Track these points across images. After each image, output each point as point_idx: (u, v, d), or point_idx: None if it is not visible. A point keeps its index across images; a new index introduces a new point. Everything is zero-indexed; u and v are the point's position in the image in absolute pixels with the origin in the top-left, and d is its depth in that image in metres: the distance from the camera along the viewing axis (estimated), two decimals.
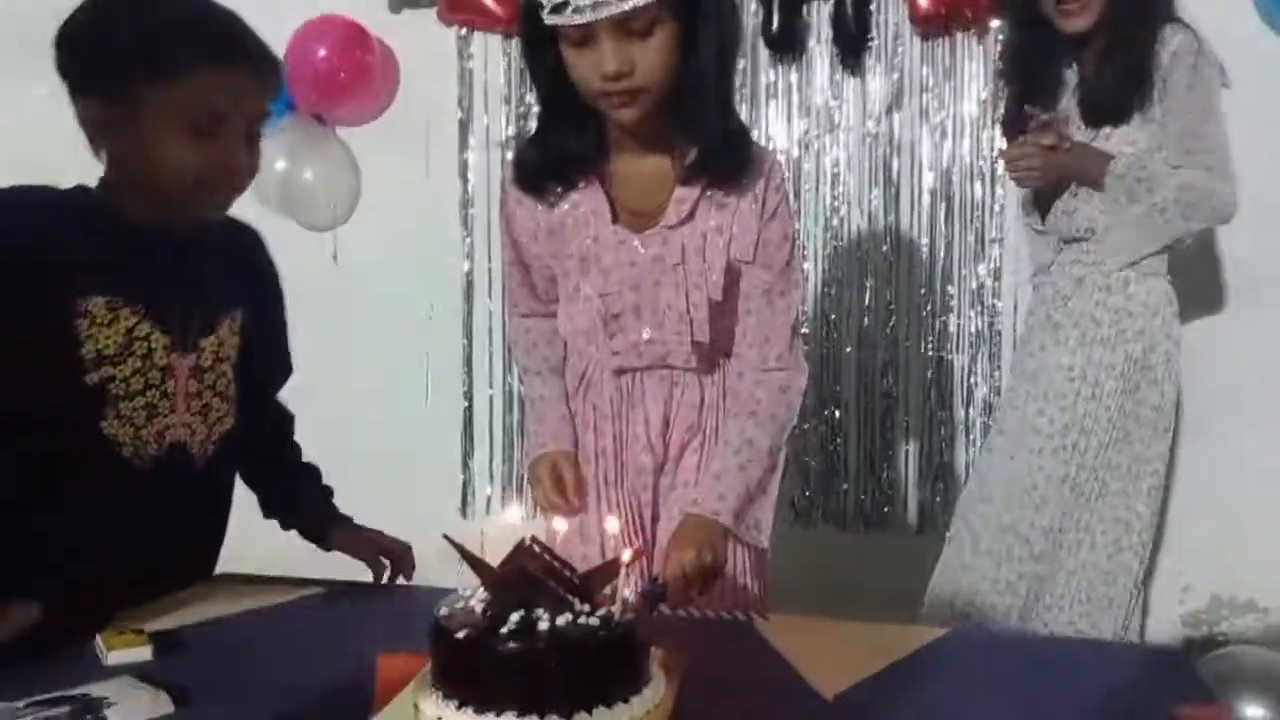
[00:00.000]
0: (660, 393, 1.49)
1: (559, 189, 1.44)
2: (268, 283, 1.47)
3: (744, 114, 2.70)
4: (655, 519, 1.52)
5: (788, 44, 2.67)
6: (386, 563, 1.46)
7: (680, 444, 1.50)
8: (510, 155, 1.54)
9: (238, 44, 1.22)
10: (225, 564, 1.43)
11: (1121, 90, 2.00)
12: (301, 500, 1.51)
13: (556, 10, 1.28)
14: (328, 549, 1.48)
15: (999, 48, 2.37)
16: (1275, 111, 2.28)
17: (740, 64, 2.67)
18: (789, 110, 2.74)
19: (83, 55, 1.21)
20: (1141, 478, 2.09)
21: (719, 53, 1.35)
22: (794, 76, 2.73)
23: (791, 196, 1.60)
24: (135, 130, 1.20)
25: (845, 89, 2.71)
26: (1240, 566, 2.48)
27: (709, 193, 1.42)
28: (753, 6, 2.68)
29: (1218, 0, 2.18)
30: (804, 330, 2.67)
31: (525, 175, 1.46)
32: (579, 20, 1.27)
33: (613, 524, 1.33)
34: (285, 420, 1.57)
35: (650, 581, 1.32)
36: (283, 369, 1.53)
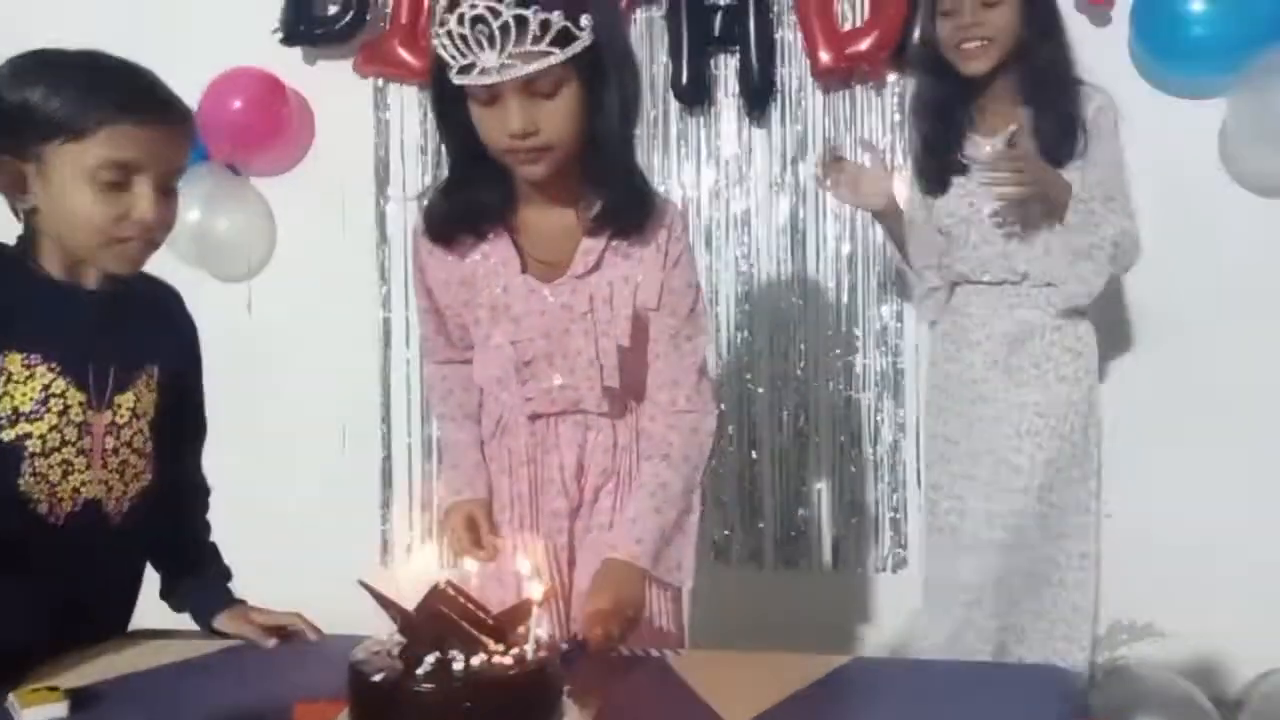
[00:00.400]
0: (574, 437, 1.52)
1: (469, 240, 1.48)
2: (185, 341, 1.47)
3: (656, 163, 2.78)
4: (572, 564, 1.55)
5: (696, 95, 2.76)
6: (273, 642, 1.39)
7: (595, 487, 1.53)
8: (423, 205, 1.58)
9: (146, 98, 1.24)
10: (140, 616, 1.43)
11: (1061, 136, 2.10)
12: (201, 588, 1.47)
13: (464, 71, 1.32)
14: (214, 634, 1.43)
15: (905, 98, 2.51)
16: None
17: (649, 114, 2.77)
18: (698, 160, 2.82)
19: None
20: (1092, 511, 2.22)
21: (621, 111, 1.40)
22: (703, 129, 2.81)
23: (693, 245, 1.67)
24: (46, 186, 1.22)
25: (752, 139, 2.80)
26: (1139, 592, 2.58)
27: (614, 243, 1.46)
28: (662, 58, 2.76)
29: (1093, 48, 2.32)
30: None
31: (435, 226, 1.49)
32: (485, 81, 1.31)
33: (524, 563, 1.36)
34: (200, 491, 1.54)
35: (569, 641, 1.34)
36: (197, 430, 1.52)
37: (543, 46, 1.29)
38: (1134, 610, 2.61)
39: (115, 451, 1.31)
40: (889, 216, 2.27)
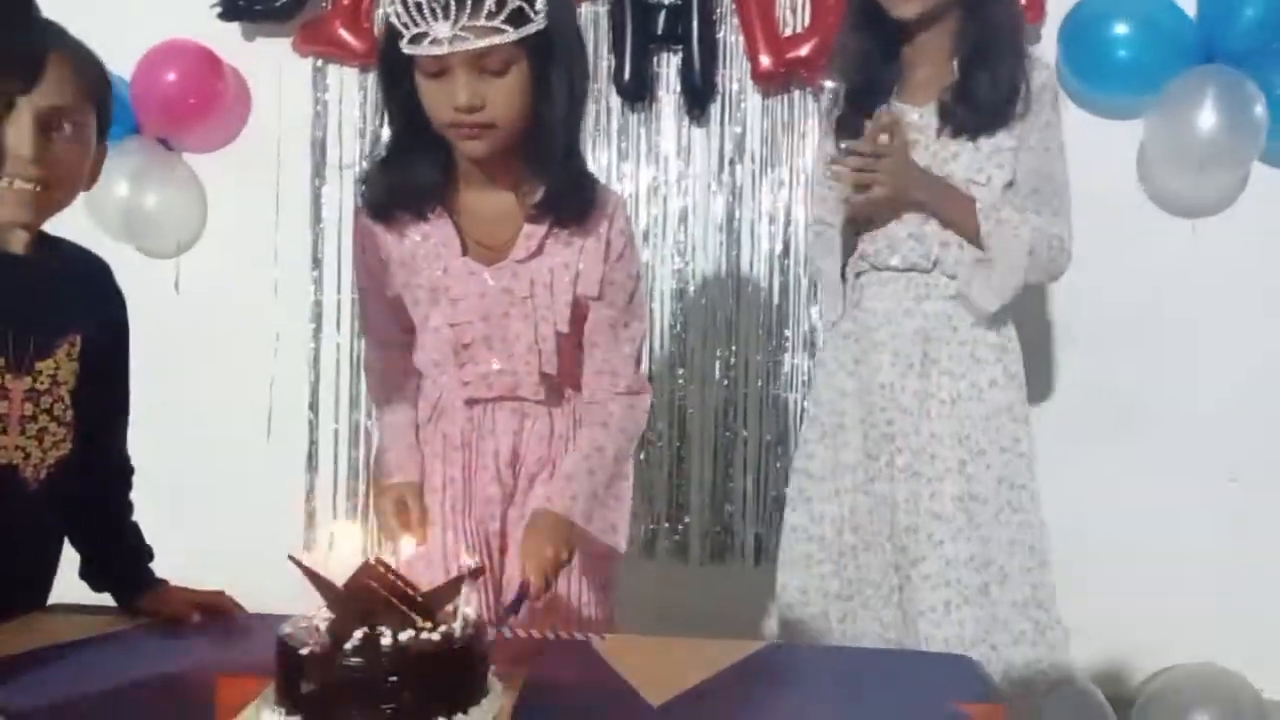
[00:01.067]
0: (510, 424, 1.53)
1: (408, 219, 1.49)
2: (112, 315, 1.44)
3: (597, 158, 2.79)
4: (504, 551, 1.56)
5: (638, 92, 2.78)
6: (197, 617, 1.38)
7: (530, 475, 1.55)
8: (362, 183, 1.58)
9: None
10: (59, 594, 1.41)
11: (995, 100, 1.84)
12: (121, 567, 1.45)
13: (415, 41, 1.32)
14: (135, 613, 1.40)
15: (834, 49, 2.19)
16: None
17: (592, 108, 2.79)
18: (638, 156, 2.85)
19: None
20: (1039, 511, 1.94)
21: (568, 97, 1.41)
22: (644, 127, 2.84)
23: (636, 237, 1.69)
24: None
25: (691, 139, 2.83)
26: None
27: (555, 230, 1.48)
28: (605, 53, 2.78)
29: None
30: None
31: (375, 201, 1.50)
32: (436, 52, 1.31)
33: (466, 559, 1.38)
34: (123, 471, 1.51)
35: (516, 592, 1.38)
36: (120, 407, 1.49)
37: (496, 23, 1.30)
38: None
39: (34, 418, 1.30)
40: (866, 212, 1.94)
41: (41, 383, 1.30)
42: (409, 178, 1.46)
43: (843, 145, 1.88)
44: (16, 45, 1.17)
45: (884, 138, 1.85)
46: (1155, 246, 2.59)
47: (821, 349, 2.10)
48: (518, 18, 1.31)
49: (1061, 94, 2.56)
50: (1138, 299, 2.60)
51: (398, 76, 1.40)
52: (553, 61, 1.38)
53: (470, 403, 1.53)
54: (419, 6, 1.30)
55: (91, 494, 1.42)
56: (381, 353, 1.63)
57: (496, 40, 1.31)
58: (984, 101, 1.84)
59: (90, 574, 1.46)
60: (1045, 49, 2.58)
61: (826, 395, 2.01)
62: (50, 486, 1.33)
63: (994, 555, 1.86)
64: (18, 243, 1.28)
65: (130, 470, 1.53)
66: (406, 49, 1.33)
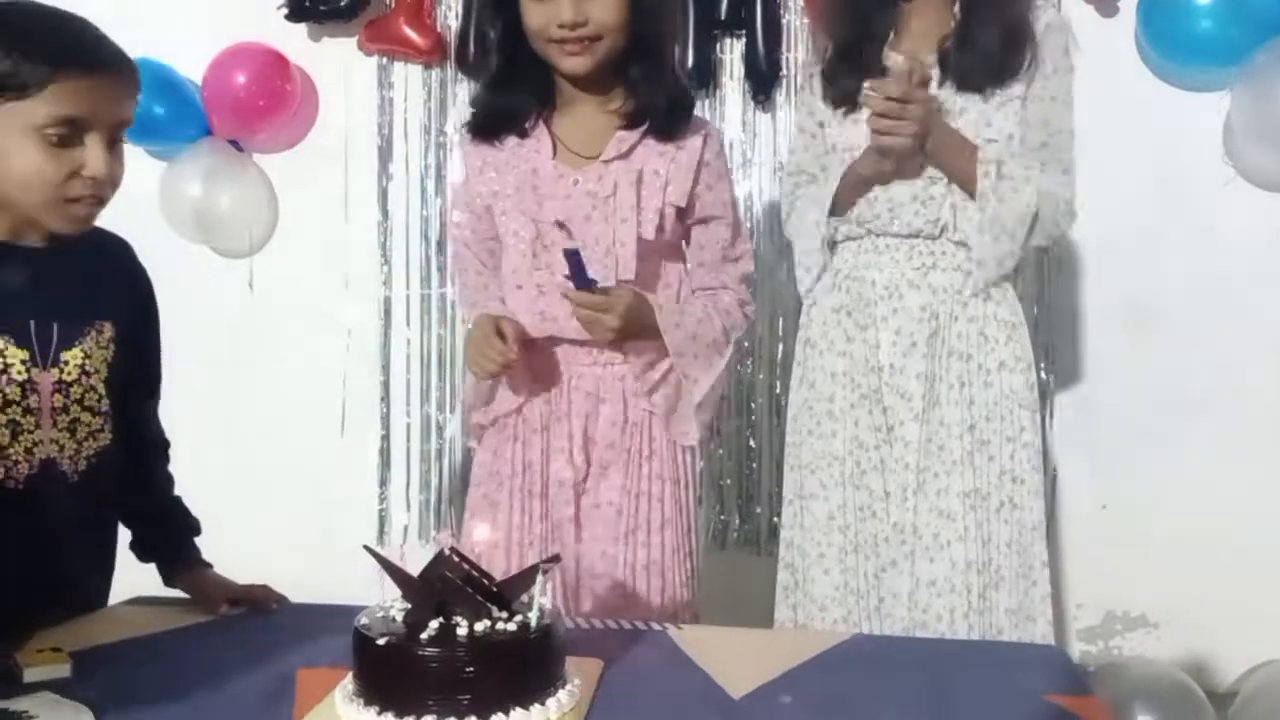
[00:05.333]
0: (584, 406, 1.55)
1: (510, 137, 1.57)
2: (138, 294, 1.44)
3: None
4: (579, 540, 1.57)
5: (701, 79, 2.75)
6: (225, 609, 1.37)
7: (602, 463, 1.56)
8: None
9: (93, 50, 1.20)
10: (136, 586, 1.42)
11: (1001, 48, 1.67)
12: (164, 540, 1.46)
13: None
14: (170, 585, 1.44)
15: None
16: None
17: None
18: None
19: None
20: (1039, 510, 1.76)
21: (663, 13, 1.52)
22: (709, 113, 2.81)
23: (730, 169, 1.76)
24: None
25: (757, 123, 2.80)
26: (1131, 583, 2.60)
27: (647, 139, 1.53)
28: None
29: (1100, 40, 2.31)
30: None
31: (480, 121, 1.58)
32: None
33: (482, 531, 1.40)
34: (159, 445, 1.52)
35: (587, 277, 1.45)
36: (153, 385, 1.49)
37: None
38: (1127, 601, 2.63)
39: (65, 409, 1.29)
40: (879, 174, 1.74)
41: (69, 374, 1.29)
42: (510, 101, 1.56)
43: (867, 85, 1.65)
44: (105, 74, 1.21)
45: (906, 85, 1.62)
46: (1243, 223, 2.49)
47: (806, 325, 1.85)
48: None
49: (1141, 66, 2.51)
50: (1223, 277, 2.50)
51: (500, 3, 1.50)
52: None
53: (543, 345, 1.55)
54: None
55: (131, 472, 1.43)
56: (472, 273, 1.67)
57: None
58: (988, 50, 1.67)
59: (138, 546, 1.47)
60: (1123, 22, 2.51)
61: (815, 377, 1.81)
62: (92, 477, 1.32)
63: (993, 556, 1.69)
64: (34, 236, 1.27)
65: (166, 443, 1.53)
66: None
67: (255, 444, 2.91)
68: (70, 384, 1.29)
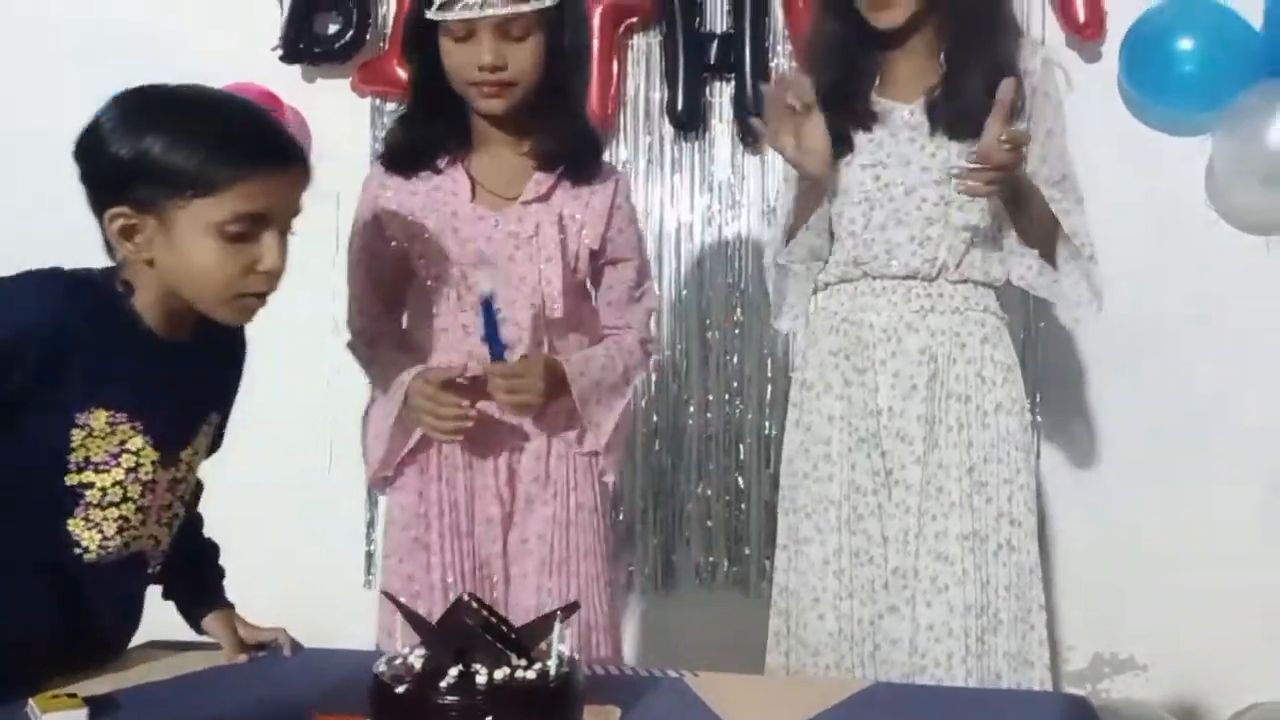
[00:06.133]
0: (508, 442, 1.59)
1: (425, 172, 1.60)
2: (239, 373, 1.43)
3: (650, 187, 2.79)
4: (508, 579, 1.60)
5: (691, 122, 2.78)
6: (243, 657, 1.37)
7: (527, 496, 1.59)
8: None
9: (275, 147, 1.18)
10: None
11: (987, 97, 1.62)
12: (197, 586, 1.45)
13: (446, 7, 1.46)
14: (195, 627, 1.43)
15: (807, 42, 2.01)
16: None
17: (645, 139, 2.79)
18: (692, 185, 2.84)
19: (108, 163, 1.14)
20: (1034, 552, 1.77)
21: (575, 61, 1.59)
22: (698, 155, 2.83)
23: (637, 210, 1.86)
24: (166, 239, 1.14)
25: (746, 165, 2.82)
26: (1120, 625, 2.60)
27: (563, 181, 1.59)
28: (659, 84, 2.79)
29: (1083, 84, 2.35)
30: (709, 397, 2.77)
31: (395, 154, 1.62)
32: (467, 15, 1.46)
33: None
34: (199, 491, 1.51)
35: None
36: (218, 447, 1.48)
37: None
38: (1116, 644, 2.63)
39: (169, 506, 1.27)
40: (815, 192, 1.75)
41: (180, 470, 1.27)
42: (427, 133, 1.60)
43: (971, 155, 1.62)
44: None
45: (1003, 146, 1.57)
46: (1228, 265, 2.53)
47: (802, 367, 1.86)
48: None
49: (1124, 108, 2.55)
50: (1211, 319, 2.54)
51: (422, 41, 1.55)
52: (563, 29, 1.55)
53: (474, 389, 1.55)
54: None
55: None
56: (371, 328, 1.70)
57: (523, 9, 1.48)
58: (975, 99, 1.65)
59: (165, 584, 1.45)
60: (1106, 67, 2.56)
61: (811, 420, 1.81)
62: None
63: (991, 599, 1.69)
64: (184, 330, 1.24)
65: (202, 485, 1.51)
66: (435, 15, 1.47)
67: (242, 482, 2.86)
68: (180, 481, 1.28)
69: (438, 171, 1.60)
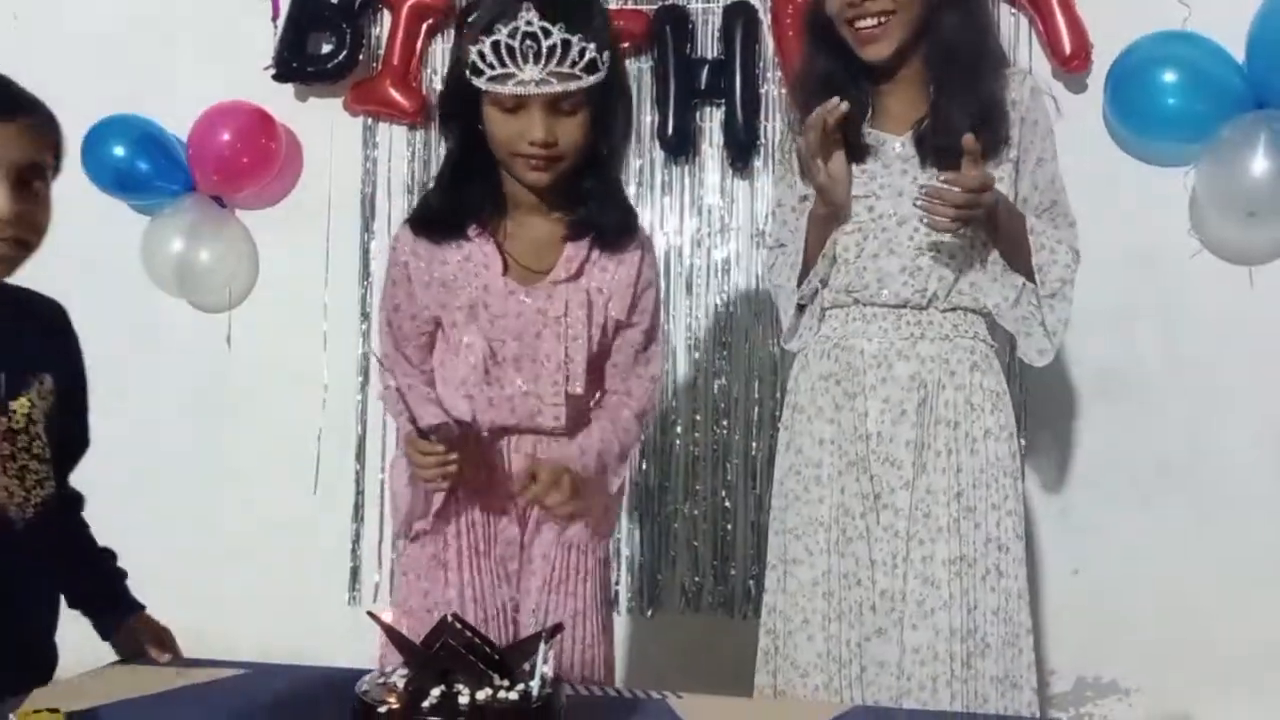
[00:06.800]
0: (528, 453, 1.58)
1: (454, 240, 1.56)
2: (74, 354, 1.48)
3: (641, 210, 2.81)
4: (516, 608, 1.60)
5: (681, 146, 2.81)
6: (166, 658, 1.44)
7: (538, 521, 1.59)
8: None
9: None
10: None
11: (975, 129, 1.65)
12: (100, 585, 1.50)
13: (498, 80, 1.42)
14: (105, 637, 1.48)
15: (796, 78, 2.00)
16: None
17: (635, 161, 2.82)
18: (682, 208, 2.87)
19: None
20: (1022, 577, 1.77)
21: (621, 134, 1.56)
22: (688, 179, 2.86)
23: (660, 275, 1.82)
24: None
25: (735, 190, 2.85)
26: (1103, 649, 2.62)
27: (594, 254, 1.56)
28: (649, 109, 2.81)
29: (1068, 114, 2.38)
30: (697, 418, 2.79)
31: (426, 220, 1.58)
32: (521, 92, 1.42)
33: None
34: (79, 501, 1.56)
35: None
36: (83, 444, 1.52)
37: (576, 70, 1.42)
38: (1099, 668, 2.64)
39: (13, 457, 1.31)
40: (831, 220, 1.78)
41: (17, 421, 1.32)
42: (463, 200, 1.56)
43: (942, 178, 1.66)
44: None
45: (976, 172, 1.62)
46: (1210, 294, 2.56)
47: (794, 390, 1.88)
48: (592, 66, 1.43)
49: (1109, 140, 2.58)
50: (1193, 349, 2.56)
51: (463, 107, 1.51)
52: (610, 104, 1.51)
53: (489, 432, 1.57)
54: (511, 52, 1.40)
55: (64, 528, 1.46)
56: (399, 383, 1.62)
57: (576, 85, 1.43)
58: (963, 131, 1.65)
59: (72, 599, 1.49)
60: (1091, 98, 2.59)
61: (802, 443, 1.82)
62: (38, 526, 1.34)
63: (978, 623, 1.69)
64: None
65: (81, 498, 1.56)
66: (486, 86, 1.43)
67: (228, 499, 2.89)
68: (19, 431, 1.31)
69: (467, 239, 1.57)
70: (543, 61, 1.40)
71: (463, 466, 1.49)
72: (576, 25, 1.41)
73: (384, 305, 1.64)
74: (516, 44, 1.39)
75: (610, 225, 1.56)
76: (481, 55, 1.41)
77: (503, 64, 1.40)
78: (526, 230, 1.57)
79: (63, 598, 1.48)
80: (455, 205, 1.56)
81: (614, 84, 1.50)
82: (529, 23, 1.39)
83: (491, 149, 1.50)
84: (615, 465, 1.63)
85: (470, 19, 1.49)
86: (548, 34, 1.39)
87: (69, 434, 1.44)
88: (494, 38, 1.40)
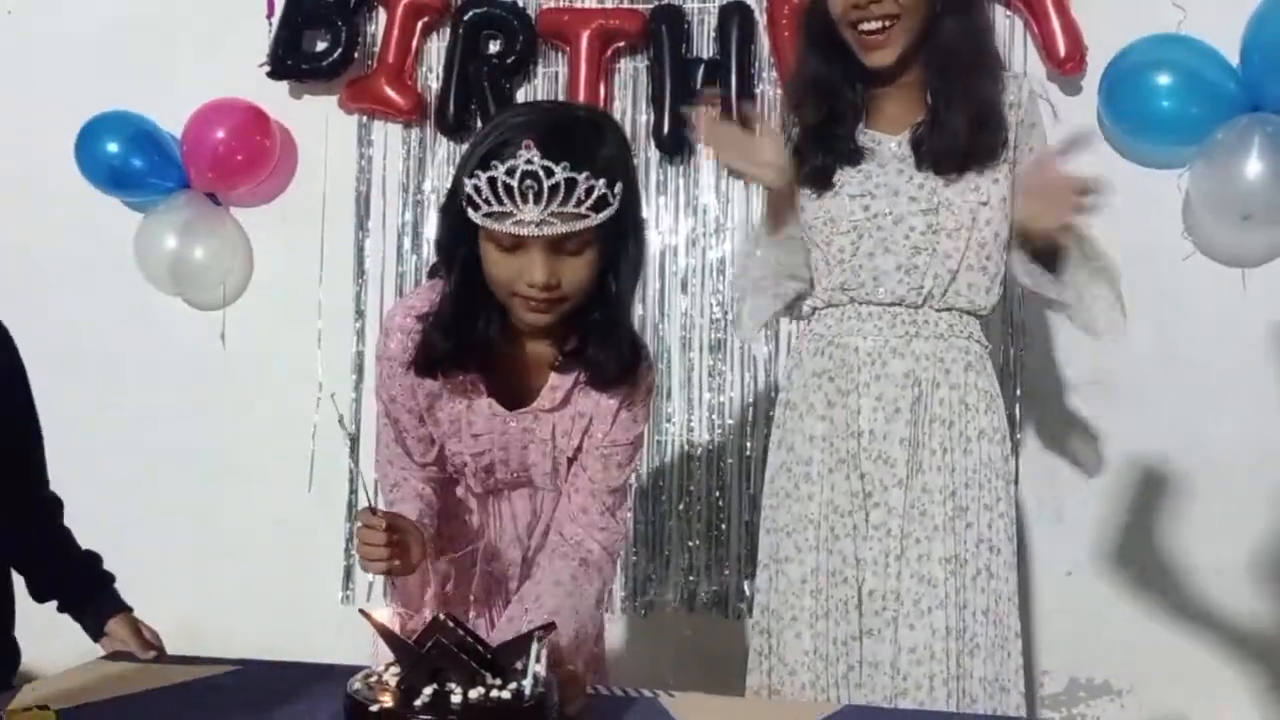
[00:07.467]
0: (527, 502, 1.58)
1: (450, 370, 1.46)
2: (7, 357, 1.47)
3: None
4: (508, 602, 1.57)
5: (676, 146, 2.81)
6: (153, 654, 1.45)
7: (539, 546, 1.58)
8: (401, 302, 1.56)
9: None
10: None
11: (971, 134, 1.71)
12: (89, 588, 1.51)
13: (496, 217, 1.28)
14: (95, 634, 1.49)
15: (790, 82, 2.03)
16: None
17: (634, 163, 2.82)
18: (677, 208, 2.87)
19: None
20: (1013, 580, 1.78)
21: (632, 272, 1.41)
22: (682, 179, 2.86)
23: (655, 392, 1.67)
24: None
25: (730, 189, 2.85)
26: (1096, 650, 2.62)
27: (581, 383, 1.46)
28: (645, 108, 2.81)
29: (1063, 116, 2.38)
30: (687, 416, 2.79)
31: (430, 362, 1.44)
32: (520, 232, 1.28)
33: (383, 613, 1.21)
34: (55, 504, 1.56)
35: None
36: (34, 444, 1.52)
37: (581, 210, 1.28)
38: (1091, 668, 2.65)
39: None
40: (783, 203, 1.82)
41: None
42: (467, 338, 1.43)
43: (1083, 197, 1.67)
44: None
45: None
46: (1205, 297, 2.56)
47: (787, 388, 1.88)
48: (601, 204, 1.30)
49: (1103, 142, 2.59)
50: (1186, 352, 2.57)
51: (461, 238, 1.37)
52: (621, 240, 1.38)
53: (486, 492, 1.57)
54: (509, 190, 1.26)
55: (36, 534, 1.48)
56: (397, 475, 1.57)
57: (581, 225, 1.29)
58: (960, 136, 1.71)
59: (44, 594, 1.51)
60: (1085, 100, 2.59)
61: (794, 440, 1.83)
62: None
63: (969, 624, 1.69)
64: None
65: (60, 503, 1.56)
66: (482, 222, 1.30)
67: (222, 496, 2.88)
68: None
69: (465, 370, 1.47)
70: (544, 201, 1.25)
71: (404, 559, 1.32)
72: (583, 161, 1.26)
73: (380, 395, 1.52)
74: (515, 183, 1.25)
75: (604, 368, 1.43)
76: (477, 190, 1.28)
77: (500, 203, 1.27)
78: (515, 354, 1.48)
79: (58, 600, 1.50)
80: (457, 345, 1.43)
81: (626, 217, 1.36)
82: (529, 161, 1.24)
83: (491, 288, 1.38)
84: (590, 618, 1.49)
85: (468, 147, 1.37)
86: (550, 173, 1.24)
87: (16, 439, 1.44)
88: (492, 174, 1.26)
